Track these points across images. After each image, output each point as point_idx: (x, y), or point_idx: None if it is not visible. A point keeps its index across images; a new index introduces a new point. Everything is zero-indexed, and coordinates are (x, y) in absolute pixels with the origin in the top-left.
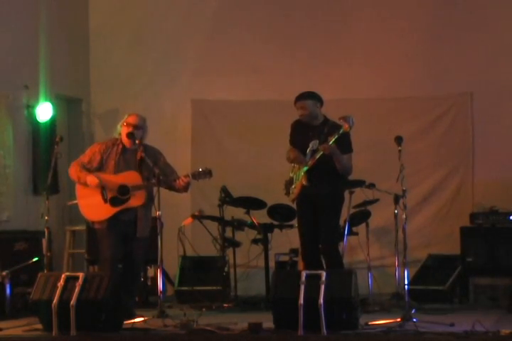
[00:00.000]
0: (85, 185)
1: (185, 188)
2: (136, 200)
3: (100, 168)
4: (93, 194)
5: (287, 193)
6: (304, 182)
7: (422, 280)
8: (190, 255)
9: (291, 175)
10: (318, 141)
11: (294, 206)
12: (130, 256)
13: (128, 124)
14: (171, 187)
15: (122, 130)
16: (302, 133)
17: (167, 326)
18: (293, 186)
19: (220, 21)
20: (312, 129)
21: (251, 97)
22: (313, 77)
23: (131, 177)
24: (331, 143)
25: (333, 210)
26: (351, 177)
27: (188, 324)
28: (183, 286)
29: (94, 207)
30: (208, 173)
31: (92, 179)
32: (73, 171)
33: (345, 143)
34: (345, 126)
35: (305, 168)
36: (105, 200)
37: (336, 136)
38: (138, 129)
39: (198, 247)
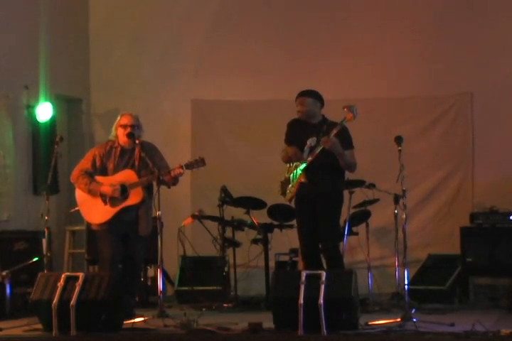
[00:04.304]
0: (98, 195)
1: (174, 180)
2: (134, 198)
3: (101, 171)
4: (93, 197)
5: (283, 193)
6: (303, 179)
7: (422, 280)
8: (190, 255)
9: (286, 175)
10: (316, 138)
11: (293, 206)
12: (130, 256)
13: (124, 125)
14: (162, 182)
15: (118, 132)
16: (300, 131)
17: (167, 326)
18: (290, 185)
19: (220, 21)
20: (310, 128)
21: (251, 97)
22: (313, 77)
23: (127, 176)
24: (331, 136)
25: (333, 209)
26: (351, 177)
27: (188, 324)
28: (183, 286)
29: (95, 211)
30: (200, 162)
31: (106, 189)
32: (81, 182)
33: (345, 139)
34: (349, 116)
35: (303, 166)
36: (105, 202)
37: (339, 128)
38: (135, 128)
39: (198, 247)
